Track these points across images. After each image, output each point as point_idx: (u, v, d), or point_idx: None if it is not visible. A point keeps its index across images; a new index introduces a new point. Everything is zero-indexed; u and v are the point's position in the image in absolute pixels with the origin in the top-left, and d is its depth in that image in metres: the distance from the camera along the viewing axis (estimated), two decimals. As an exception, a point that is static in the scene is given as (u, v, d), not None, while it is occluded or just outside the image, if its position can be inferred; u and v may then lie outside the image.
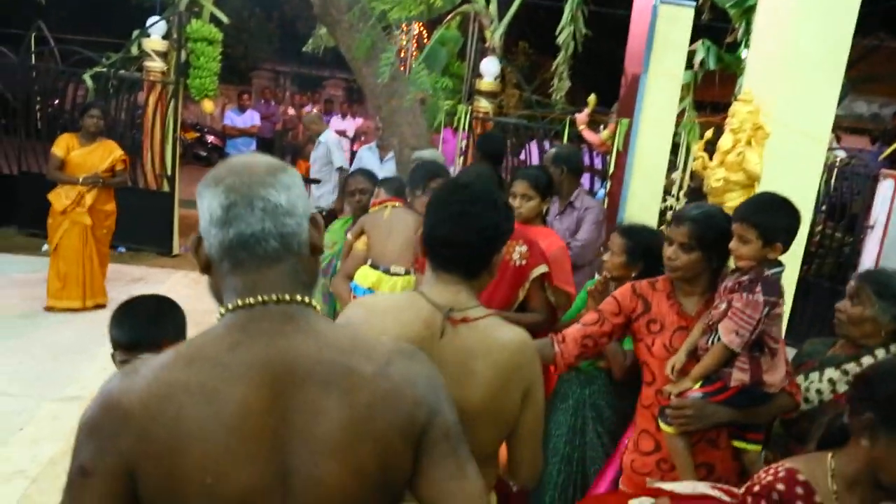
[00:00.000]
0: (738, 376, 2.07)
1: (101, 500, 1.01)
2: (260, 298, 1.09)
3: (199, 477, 1.00)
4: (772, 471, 1.58)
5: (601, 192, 5.80)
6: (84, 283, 5.58)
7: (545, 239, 3.33)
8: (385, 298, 1.77)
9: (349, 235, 3.53)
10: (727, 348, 2.04)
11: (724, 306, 2.10)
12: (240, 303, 1.09)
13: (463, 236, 1.59)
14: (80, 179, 5.53)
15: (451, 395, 1.20)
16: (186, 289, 6.56)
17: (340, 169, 6.54)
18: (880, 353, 2.14)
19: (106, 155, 5.68)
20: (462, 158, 6.79)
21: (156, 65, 7.27)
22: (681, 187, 5.10)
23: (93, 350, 4.77)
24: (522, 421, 1.62)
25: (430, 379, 1.16)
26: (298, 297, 1.11)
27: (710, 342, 2.11)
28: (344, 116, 12.46)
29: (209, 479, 1.00)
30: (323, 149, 6.65)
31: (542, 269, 2.83)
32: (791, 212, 2.08)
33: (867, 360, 2.13)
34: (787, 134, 3.52)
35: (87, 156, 5.61)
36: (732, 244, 2.10)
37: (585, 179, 7.83)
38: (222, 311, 1.11)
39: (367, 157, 6.17)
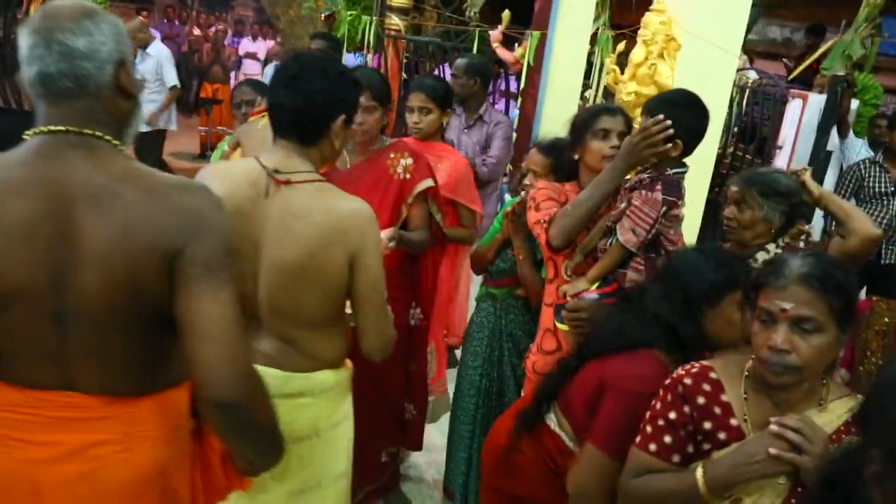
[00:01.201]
0: (633, 276, 2.02)
1: None
2: (53, 128, 1.24)
3: None
4: (688, 366, 1.53)
5: (514, 113, 5.64)
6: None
7: (449, 156, 3.16)
8: (224, 164, 1.88)
9: (227, 146, 3.29)
10: (624, 247, 2.00)
11: (623, 205, 2.03)
12: (37, 130, 1.25)
13: (292, 101, 1.66)
14: None
15: (224, 230, 1.29)
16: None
17: (174, 88, 6.17)
18: (772, 248, 2.12)
19: None
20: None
21: (34, -27, 6.59)
22: (593, 103, 4.98)
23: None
24: (355, 289, 1.69)
25: (200, 212, 1.26)
26: (88, 131, 1.25)
27: (609, 244, 2.06)
28: (255, 38, 11.81)
29: None
30: (152, 62, 6.15)
31: (427, 183, 2.62)
32: (697, 112, 2.01)
33: (762, 256, 2.10)
34: (698, 46, 3.43)
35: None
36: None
37: (501, 104, 7.69)
38: (28, 134, 1.26)
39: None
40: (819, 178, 4.85)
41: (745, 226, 2.12)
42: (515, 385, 2.69)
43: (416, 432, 2.94)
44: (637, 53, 3.62)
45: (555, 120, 5.08)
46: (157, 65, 6.12)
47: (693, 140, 2.01)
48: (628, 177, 2.12)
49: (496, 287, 2.75)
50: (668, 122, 1.93)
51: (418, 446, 2.99)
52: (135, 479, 1.31)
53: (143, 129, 5.95)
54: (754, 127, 6.17)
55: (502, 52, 5.65)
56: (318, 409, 1.78)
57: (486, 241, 2.78)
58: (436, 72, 7.62)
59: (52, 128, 1.24)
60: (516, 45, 5.65)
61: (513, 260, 2.60)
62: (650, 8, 3.53)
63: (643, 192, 1.98)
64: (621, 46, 3.85)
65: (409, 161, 2.61)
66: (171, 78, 6.19)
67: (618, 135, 2.13)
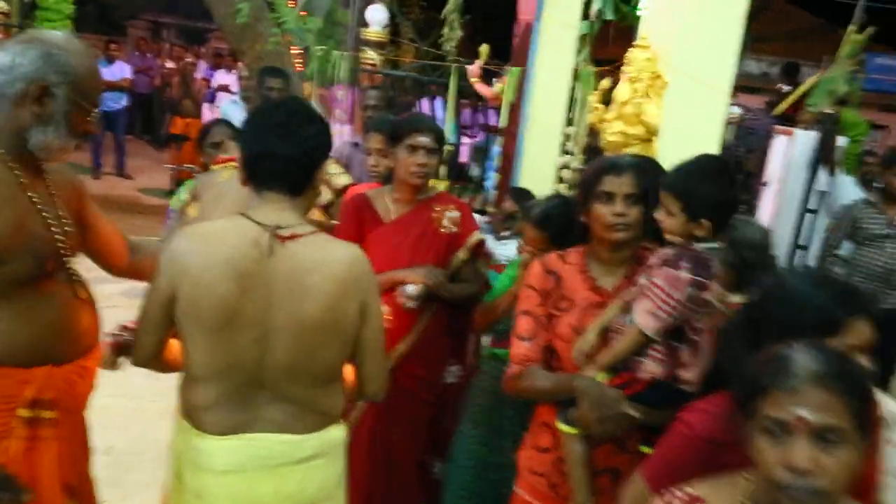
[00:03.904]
0: (651, 368, 1.75)
1: None
2: None
3: None
4: (677, 494, 1.27)
5: (496, 149, 5.46)
6: None
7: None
8: (209, 225, 1.71)
9: (185, 195, 3.02)
10: (642, 332, 1.73)
11: (643, 281, 1.78)
12: None
13: (284, 148, 1.59)
14: None
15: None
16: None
17: None
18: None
19: None
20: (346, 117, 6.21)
21: (-5, 5, 6.39)
22: (576, 143, 4.82)
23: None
24: (363, 335, 1.66)
25: None
26: None
27: (626, 322, 1.79)
28: (229, 70, 11.61)
29: None
30: None
31: (478, 236, 2.57)
32: (723, 182, 1.77)
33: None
34: (686, 84, 3.26)
35: None
36: (659, 214, 1.79)
37: (481, 136, 7.53)
38: None
39: (232, 113, 5.45)
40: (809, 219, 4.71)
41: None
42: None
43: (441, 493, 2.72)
44: (622, 91, 3.45)
45: (536, 158, 4.91)
46: None
47: (723, 215, 1.77)
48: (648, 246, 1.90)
49: (503, 348, 2.52)
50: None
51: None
52: None
53: None
54: (738, 163, 6.05)
55: (481, 88, 5.49)
56: (327, 469, 1.72)
57: (493, 297, 2.57)
58: (414, 107, 7.48)
59: None
60: (494, 79, 5.49)
61: None
62: (634, 44, 3.37)
63: (667, 269, 1.73)
64: (605, 83, 3.68)
65: (456, 214, 2.54)
66: None
67: (623, 198, 1.82)
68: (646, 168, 1.92)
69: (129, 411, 2.68)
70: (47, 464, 1.64)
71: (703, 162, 1.80)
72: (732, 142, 6.08)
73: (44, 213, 1.65)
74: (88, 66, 1.67)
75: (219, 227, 1.65)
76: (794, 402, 1.10)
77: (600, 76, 4.22)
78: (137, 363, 1.71)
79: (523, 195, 4.61)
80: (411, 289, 2.42)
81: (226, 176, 2.60)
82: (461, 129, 7.17)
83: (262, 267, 1.55)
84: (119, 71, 9.36)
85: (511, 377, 1.92)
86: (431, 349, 2.56)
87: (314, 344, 1.59)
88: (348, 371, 1.75)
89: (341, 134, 6.23)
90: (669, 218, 1.75)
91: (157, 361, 1.70)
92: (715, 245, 1.77)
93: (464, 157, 9.04)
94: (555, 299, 1.91)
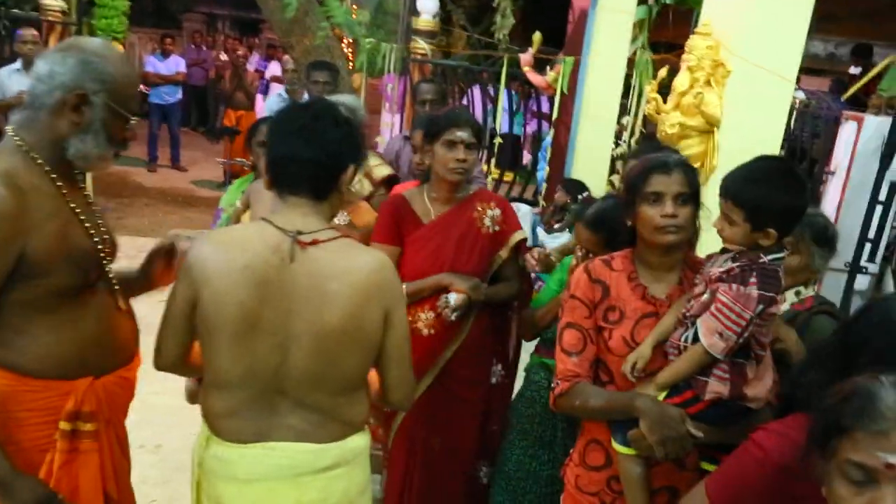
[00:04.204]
0: (716, 388, 1.63)
1: None
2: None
3: None
4: None
5: (547, 139, 5.33)
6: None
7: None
8: (231, 230, 1.74)
9: (238, 203, 2.91)
10: (707, 353, 1.60)
11: (706, 296, 1.65)
12: None
13: (307, 152, 1.55)
14: None
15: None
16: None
17: None
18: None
19: None
20: (397, 108, 6.14)
21: (54, 2, 6.48)
22: (632, 133, 4.65)
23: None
24: (387, 343, 1.62)
25: None
26: (12, 134, 1.59)
27: (684, 339, 1.66)
28: (283, 62, 11.65)
29: None
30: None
31: (520, 235, 2.46)
32: (791, 188, 1.62)
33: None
34: (750, 72, 3.09)
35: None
36: (717, 222, 1.67)
37: (533, 124, 7.39)
38: None
39: (276, 108, 5.48)
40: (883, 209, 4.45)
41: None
42: None
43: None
44: (681, 81, 3.29)
45: (589, 150, 4.77)
46: None
47: (789, 222, 1.63)
48: (704, 255, 1.78)
49: (552, 358, 2.43)
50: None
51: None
52: None
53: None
54: (803, 150, 5.78)
55: (533, 77, 5.36)
56: (350, 478, 1.68)
57: (540, 302, 2.47)
58: (464, 97, 7.38)
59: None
60: (548, 67, 5.35)
61: None
62: (695, 31, 3.20)
63: (734, 285, 1.59)
64: (663, 72, 3.52)
65: (498, 212, 2.45)
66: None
67: (673, 197, 1.70)
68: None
69: (177, 409, 2.67)
70: (88, 477, 1.63)
71: (767, 165, 1.67)
72: (796, 127, 5.81)
73: (85, 223, 1.63)
74: (126, 74, 1.64)
75: (240, 233, 1.62)
76: (883, 447, 0.97)
77: (658, 64, 4.05)
78: (161, 368, 1.68)
79: (576, 187, 4.49)
80: (453, 298, 2.33)
81: None
82: (513, 117, 7.05)
83: (282, 273, 1.52)
84: (174, 65, 9.49)
85: (559, 394, 1.81)
86: (475, 349, 2.49)
87: (335, 352, 1.56)
88: (373, 378, 1.71)
89: (391, 126, 6.18)
90: (731, 227, 1.63)
91: (180, 366, 1.68)
92: (781, 256, 1.64)
93: (516, 145, 8.93)
94: (603, 310, 1.80)
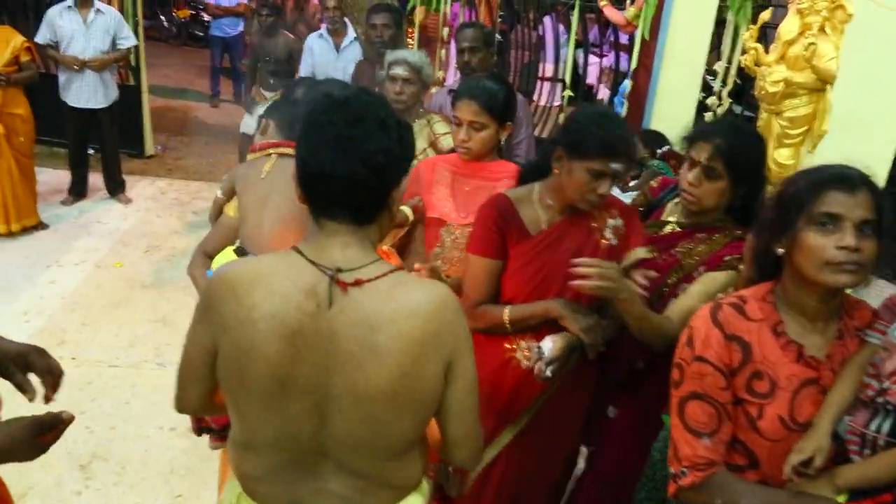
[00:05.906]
0: None
1: None
2: None
3: None
4: None
5: (626, 84, 4.82)
6: (4, 203, 4.75)
7: (510, 177, 2.42)
8: (252, 265, 1.35)
9: (219, 192, 2.38)
10: None
11: None
12: None
13: (345, 168, 1.25)
14: None
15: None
16: (146, 202, 5.87)
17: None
18: None
19: (2, 45, 4.69)
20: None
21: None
22: (724, 83, 4.10)
23: (21, 289, 4.11)
24: (450, 397, 1.35)
25: None
26: None
27: (875, 428, 1.30)
28: None
29: None
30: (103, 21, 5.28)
31: (641, 253, 1.96)
32: None
33: None
34: (877, 16, 2.57)
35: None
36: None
37: (611, 58, 6.81)
38: None
39: (319, 48, 4.98)
40: None
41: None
42: None
43: None
44: (789, 27, 2.78)
45: (672, 97, 4.27)
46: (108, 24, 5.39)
47: None
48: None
49: None
50: None
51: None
52: None
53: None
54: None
55: (611, 13, 4.83)
56: None
57: None
58: (538, 27, 6.85)
59: None
60: (627, 2, 4.81)
61: None
62: (810, -35, 2.68)
63: None
64: (766, 16, 3.00)
65: (619, 223, 2.02)
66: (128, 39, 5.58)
67: (856, 225, 1.32)
68: None
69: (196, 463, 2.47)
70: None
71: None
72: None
73: None
74: None
75: (265, 269, 1.32)
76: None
77: (759, 7, 3.51)
78: (182, 411, 1.47)
79: (655, 139, 4.03)
80: (547, 349, 1.92)
81: (267, 168, 2.19)
82: (589, 48, 6.52)
83: (318, 322, 1.26)
84: (236, -5, 9.19)
85: (692, 490, 1.44)
86: (576, 381, 2.09)
87: (382, 417, 1.30)
88: (434, 429, 1.44)
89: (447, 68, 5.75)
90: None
91: (207, 409, 1.46)
92: None
93: (591, 77, 8.32)
94: (746, 378, 1.42)
